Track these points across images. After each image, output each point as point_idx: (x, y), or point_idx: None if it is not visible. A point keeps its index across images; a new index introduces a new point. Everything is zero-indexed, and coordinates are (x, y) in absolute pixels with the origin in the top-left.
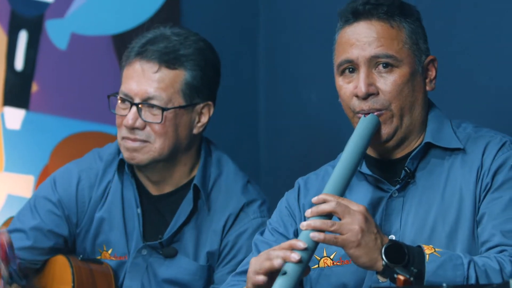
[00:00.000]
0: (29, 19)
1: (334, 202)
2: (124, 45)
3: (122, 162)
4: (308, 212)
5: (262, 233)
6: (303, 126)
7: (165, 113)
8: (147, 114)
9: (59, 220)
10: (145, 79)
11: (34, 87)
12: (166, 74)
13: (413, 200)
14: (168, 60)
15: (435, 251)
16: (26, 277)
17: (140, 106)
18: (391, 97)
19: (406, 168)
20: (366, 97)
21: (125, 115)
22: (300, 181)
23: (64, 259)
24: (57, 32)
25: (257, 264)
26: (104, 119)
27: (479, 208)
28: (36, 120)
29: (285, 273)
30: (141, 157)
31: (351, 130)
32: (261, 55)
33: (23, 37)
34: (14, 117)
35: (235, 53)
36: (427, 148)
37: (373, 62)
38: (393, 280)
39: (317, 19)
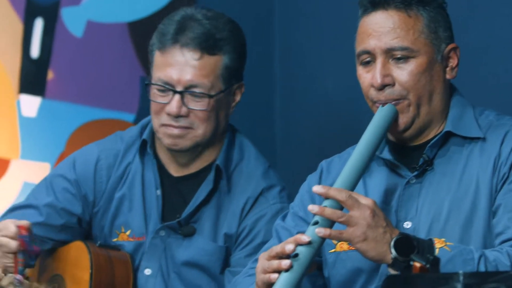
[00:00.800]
0: (45, 7)
1: (344, 195)
2: (139, 33)
3: (143, 143)
4: (315, 209)
5: (283, 218)
6: (319, 114)
7: (206, 99)
8: (190, 101)
9: (73, 199)
10: (187, 67)
11: (50, 75)
12: (207, 60)
13: (430, 187)
14: (208, 46)
15: (446, 245)
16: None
17: (183, 93)
18: (408, 88)
19: (424, 155)
20: (382, 87)
21: (165, 103)
22: (323, 163)
23: (82, 244)
24: (73, 19)
25: (265, 262)
26: (120, 107)
27: (495, 198)
28: (52, 108)
29: (287, 270)
30: (185, 143)
31: (367, 118)
32: (277, 42)
33: (39, 25)
34: (30, 104)
35: (251, 41)
36: (447, 136)
37: (389, 53)
38: (406, 270)
39: (334, 6)
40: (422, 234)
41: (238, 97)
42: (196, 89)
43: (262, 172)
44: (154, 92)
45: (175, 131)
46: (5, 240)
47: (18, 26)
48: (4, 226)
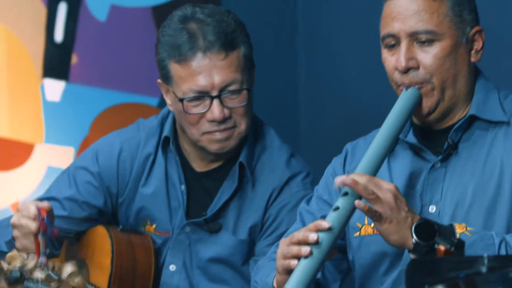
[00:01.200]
0: None
1: (365, 180)
2: (163, 17)
3: (166, 140)
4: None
5: (308, 202)
6: (343, 98)
7: (244, 92)
8: (228, 101)
9: (96, 192)
10: (216, 69)
11: (74, 59)
12: (231, 57)
13: (454, 171)
14: (228, 43)
15: (466, 230)
16: (60, 246)
17: (220, 96)
18: (432, 71)
19: (449, 139)
20: (406, 71)
21: (203, 112)
22: (348, 146)
23: (104, 230)
24: (96, 3)
25: (285, 248)
26: (144, 91)
27: None
28: (76, 92)
29: (306, 257)
30: (231, 144)
31: (390, 103)
32: (301, 28)
33: (62, 9)
34: (54, 89)
35: (274, 27)
36: (472, 120)
37: (413, 36)
38: (429, 254)
39: None
40: (446, 218)
41: (253, 82)
42: (231, 88)
43: (285, 162)
44: (186, 104)
45: (222, 135)
46: (25, 221)
47: (41, 11)
48: (25, 207)
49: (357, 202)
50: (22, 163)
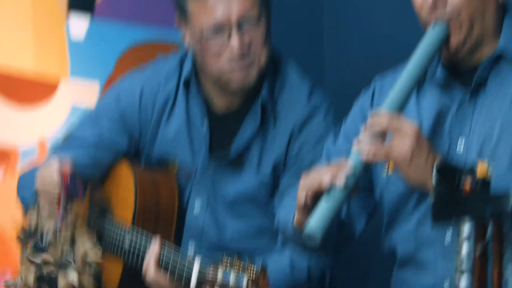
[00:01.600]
0: None
1: (386, 120)
2: None
3: (186, 81)
4: (362, 130)
5: (334, 139)
6: (369, 33)
7: (262, 24)
8: (248, 33)
9: (119, 134)
10: (233, 1)
11: None
12: None
13: (482, 108)
14: None
15: (487, 172)
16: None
17: (240, 27)
18: (460, 7)
19: (477, 76)
20: (434, 6)
21: (222, 47)
22: (377, 80)
23: (127, 166)
24: None
25: (306, 183)
26: (172, 22)
27: None
28: (101, 29)
29: (328, 194)
30: (251, 78)
31: (418, 40)
32: None
33: None
34: (79, 26)
35: None
36: (499, 57)
37: None
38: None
39: None
40: (473, 153)
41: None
42: (249, 18)
43: (306, 97)
44: (206, 42)
45: (242, 72)
46: (49, 187)
47: None
48: (48, 173)
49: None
50: (48, 100)
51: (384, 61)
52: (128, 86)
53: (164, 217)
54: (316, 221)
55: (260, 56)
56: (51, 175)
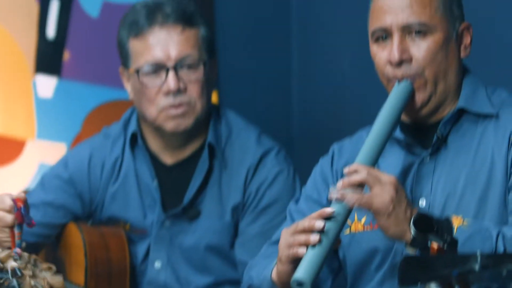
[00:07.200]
0: None
1: (365, 172)
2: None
3: (133, 136)
4: (339, 184)
5: (296, 202)
6: (336, 94)
7: (201, 69)
8: (185, 75)
9: (70, 198)
10: (172, 42)
11: (66, 55)
12: (189, 32)
13: (444, 165)
14: (186, 19)
15: (463, 223)
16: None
17: (176, 68)
18: (425, 64)
19: (438, 133)
20: (400, 63)
21: (159, 85)
22: (335, 146)
23: (74, 226)
24: (89, 0)
25: (290, 237)
26: None
27: (511, 174)
28: (69, 88)
29: (314, 245)
30: (187, 122)
31: (384, 98)
32: (294, 22)
33: (54, 5)
34: (46, 85)
35: (267, 22)
36: (460, 113)
37: (406, 29)
38: (424, 250)
39: None
40: (437, 211)
41: (215, 73)
42: (187, 61)
43: (255, 140)
44: (142, 80)
45: (177, 111)
46: (1, 214)
47: (34, 6)
48: (0, 199)
49: (349, 196)
50: (14, 159)
51: (351, 128)
52: (76, 153)
53: (117, 271)
54: (307, 269)
55: (196, 103)
56: (2, 201)
